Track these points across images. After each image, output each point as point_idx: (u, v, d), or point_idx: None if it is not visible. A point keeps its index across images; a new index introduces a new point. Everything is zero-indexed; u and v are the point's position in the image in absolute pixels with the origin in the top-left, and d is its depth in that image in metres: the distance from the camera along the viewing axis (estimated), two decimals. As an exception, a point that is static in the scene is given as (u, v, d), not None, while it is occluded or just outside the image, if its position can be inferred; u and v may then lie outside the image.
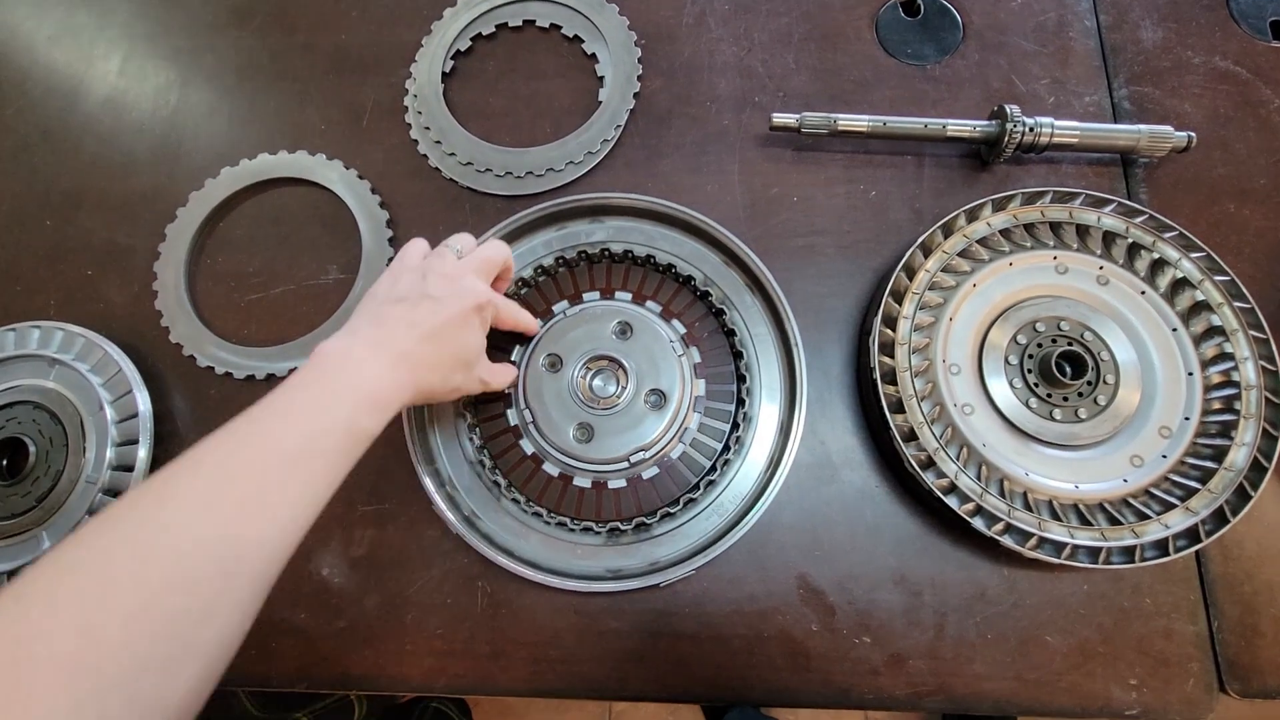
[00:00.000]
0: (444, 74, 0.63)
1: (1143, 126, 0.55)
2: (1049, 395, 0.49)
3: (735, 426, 0.51)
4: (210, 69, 0.66)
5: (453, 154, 0.60)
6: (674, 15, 0.64)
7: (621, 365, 0.52)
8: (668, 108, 0.61)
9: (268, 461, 0.34)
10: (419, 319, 0.41)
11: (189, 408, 0.57)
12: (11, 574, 0.52)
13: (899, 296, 0.51)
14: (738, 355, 0.52)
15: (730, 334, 0.53)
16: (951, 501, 0.47)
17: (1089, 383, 0.49)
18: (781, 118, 0.57)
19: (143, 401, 0.55)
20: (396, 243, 0.59)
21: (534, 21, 0.64)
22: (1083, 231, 0.53)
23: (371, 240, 0.59)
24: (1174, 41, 0.60)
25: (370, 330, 0.41)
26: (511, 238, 0.56)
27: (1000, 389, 0.50)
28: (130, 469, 0.53)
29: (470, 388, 0.47)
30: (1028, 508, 0.47)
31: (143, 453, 0.54)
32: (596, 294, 0.55)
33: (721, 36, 0.63)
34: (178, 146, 0.63)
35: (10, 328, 0.57)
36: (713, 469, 0.50)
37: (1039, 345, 0.51)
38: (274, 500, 0.33)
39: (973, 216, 0.53)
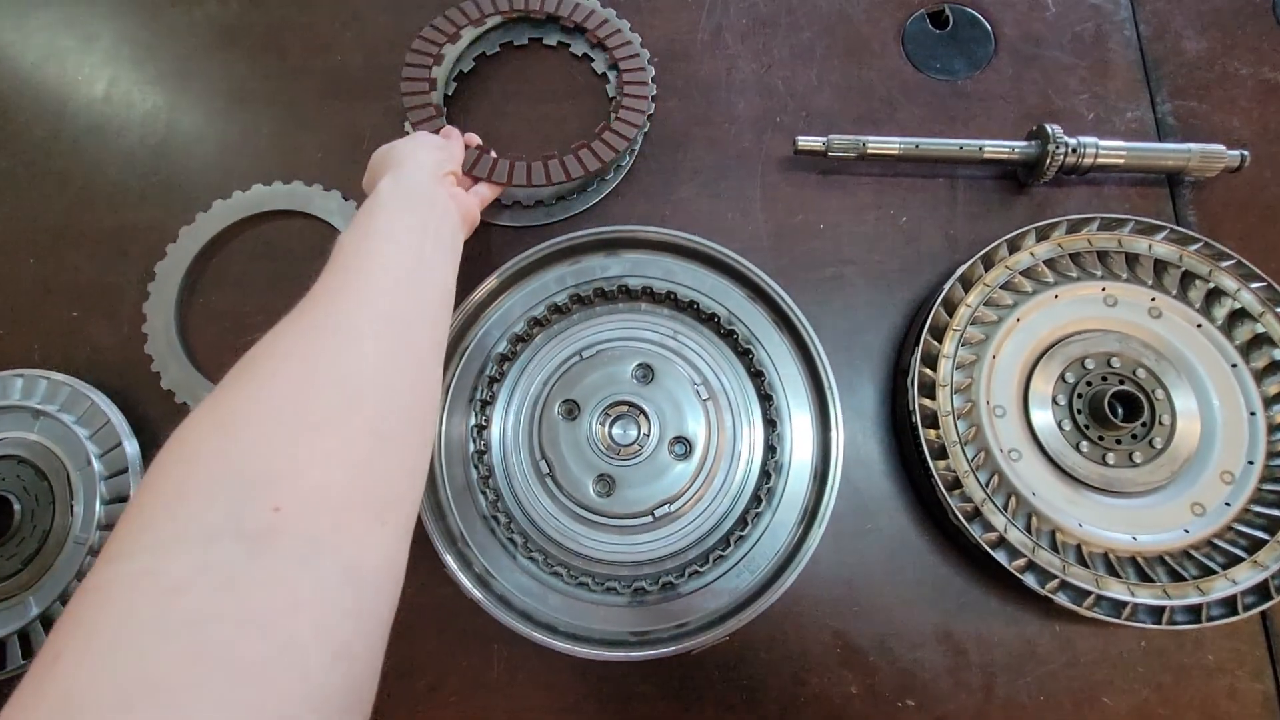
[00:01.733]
0: (447, 97, 0.60)
1: (1193, 146, 0.51)
2: (1101, 438, 0.46)
3: (766, 476, 0.48)
4: (199, 94, 0.62)
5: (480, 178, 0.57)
6: (689, 31, 0.60)
7: (643, 411, 0.49)
8: (684, 130, 0.58)
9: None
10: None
11: (183, 458, 0.54)
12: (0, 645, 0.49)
13: (939, 333, 0.48)
14: (766, 398, 0.49)
15: (758, 375, 0.49)
16: (1001, 557, 0.43)
17: (1144, 424, 0.46)
18: (807, 141, 0.53)
19: (133, 454, 0.52)
20: (400, 278, 0.56)
21: (540, 39, 0.61)
22: (1132, 260, 0.49)
23: (373, 276, 0.56)
24: (1219, 52, 0.57)
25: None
26: (522, 274, 0.52)
27: (1049, 432, 0.47)
28: (121, 527, 0.50)
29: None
30: (1082, 562, 0.44)
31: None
32: (614, 334, 0.52)
33: (739, 53, 0.60)
34: (167, 177, 0.60)
35: (-8, 376, 0.54)
36: (743, 522, 0.47)
37: (1088, 384, 0.47)
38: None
39: (1015, 246, 0.49)
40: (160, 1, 0.65)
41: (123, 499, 0.51)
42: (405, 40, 0.61)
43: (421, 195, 0.42)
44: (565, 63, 0.61)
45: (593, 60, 0.60)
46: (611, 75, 0.59)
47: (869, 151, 0.53)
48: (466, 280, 0.53)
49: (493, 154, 0.52)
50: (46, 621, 0.49)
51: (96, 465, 0.51)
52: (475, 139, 0.53)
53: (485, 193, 0.51)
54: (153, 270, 0.57)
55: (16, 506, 0.51)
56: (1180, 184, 0.54)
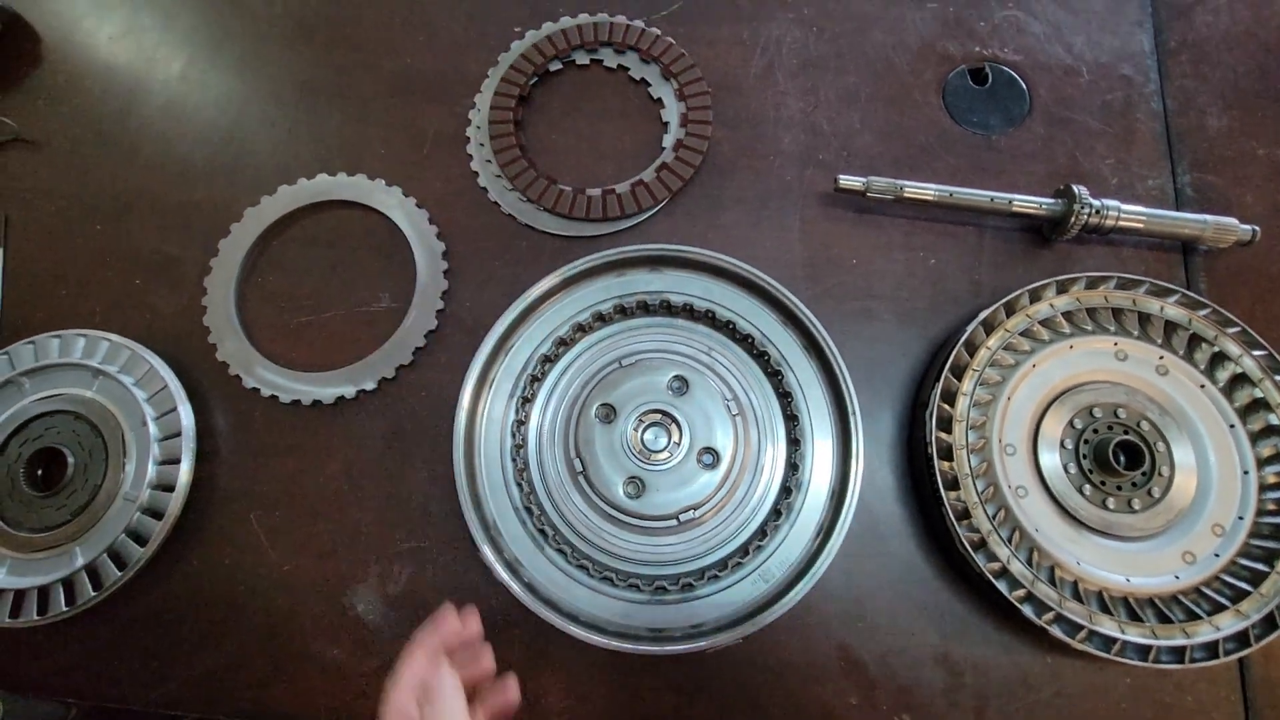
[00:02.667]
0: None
1: (1208, 217, 0.55)
2: (1103, 483, 0.49)
3: (786, 491, 0.51)
4: (272, 82, 0.65)
5: (513, 189, 0.60)
6: (742, 66, 0.64)
7: (675, 420, 0.51)
8: (731, 159, 0.61)
9: None
10: None
11: (231, 428, 0.56)
12: (44, 590, 0.51)
13: (959, 372, 0.51)
14: (792, 419, 0.52)
15: (786, 396, 0.52)
16: (1002, 586, 0.46)
17: (1144, 474, 0.49)
18: (848, 180, 0.57)
19: (187, 419, 0.54)
20: (451, 275, 0.59)
21: (601, 61, 0.64)
22: (1144, 319, 0.53)
23: (426, 270, 0.59)
24: (1239, 131, 0.61)
25: None
26: (571, 282, 0.55)
27: (1055, 473, 0.50)
28: (170, 488, 0.53)
29: None
30: (1078, 598, 0.47)
31: (184, 473, 0.53)
32: (653, 345, 0.55)
33: (788, 91, 0.63)
34: (235, 159, 0.63)
35: (55, 334, 0.56)
36: (761, 533, 0.50)
37: (1095, 431, 0.50)
38: None
39: (1036, 297, 0.53)
40: (242, -9, 0.68)
41: (174, 461, 0.53)
42: (473, 47, 0.65)
43: None
44: (623, 84, 0.64)
45: (649, 84, 0.63)
46: (667, 100, 0.62)
47: (905, 195, 0.56)
48: (516, 283, 0.57)
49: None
50: (91, 573, 0.51)
51: (152, 427, 0.54)
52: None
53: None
54: (216, 246, 0.60)
55: (70, 460, 0.54)
56: (1194, 251, 0.57)
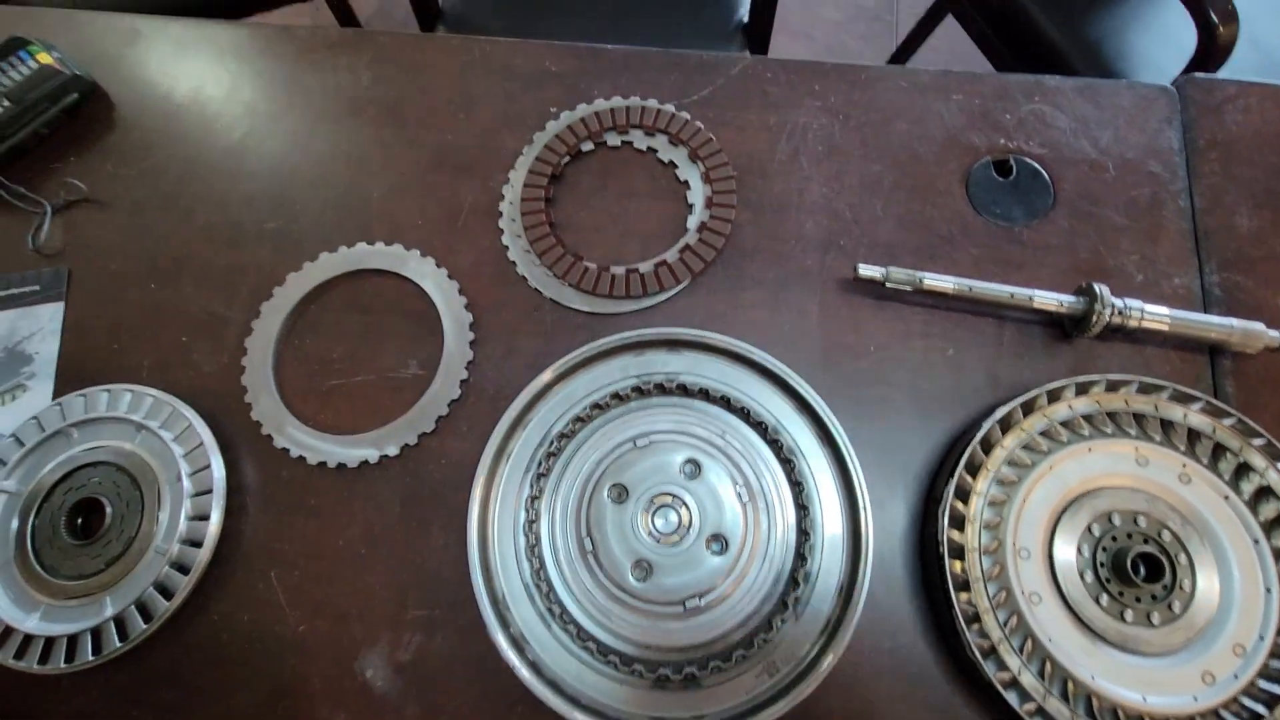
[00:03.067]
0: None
1: (1235, 322, 0.54)
2: (1121, 594, 0.48)
3: (794, 583, 0.51)
4: (321, 153, 0.69)
5: (541, 264, 0.62)
6: (768, 150, 0.66)
7: (686, 504, 0.52)
8: (754, 242, 0.63)
9: None
10: None
11: (259, 485, 0.59)
12: (73, 639, 0.53)
13: (974, 470, 0.51)
14: (802, 508, 0.52)
15: (797, 485, 0.53)
16: (1012, 699, 0.45)
17: (1165, 587, 0.48)
18: (867, 270, 0.58)
19: (219, 475, 0.57)
20: (477, 346, 0.61)
21: (631, 143, 0.67)
22: (1167, 425, 0.52)
23: (454, 340, 0.61)
24: (1268, 231, 0.60)
25: None
26: (590, 361, 0.57)
27: (1071, 581, 0.49)
28: (199, 543, 0.55)
29: None
30: (1090, 715, 0.46)
31: (213, 528, 0.55)
32: (667, 426, 0.56)
33: (812, 176, 0.65)
34: (283, 225, 0.67)
35: (105, 388, 0.60)
36: (768, 625, 0.50)
37: (1113, 539, 0.50)
38: None
39: (1054, 397, 0.52)
40: (300, 68, 0.73)
41: (204, 517, 0.56)
42: (510, 126, 0.69)
43: None
44: (652, 166, 0.66)
45: (677, 166, 0.66)
46: (694, 182, 0.65)
47: (924, 286, 0.57)
48: (538, 356, 0.59)
49: None
50: (119, 623, 0.53)
51: (186, 483, 0.56)
52: None
53: None
54: (259, 309, 0.63)
55: (109, 510, 0.57)
56: (1221, 354, 0.57)
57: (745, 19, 1.14)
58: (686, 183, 0.65)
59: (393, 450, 0.58)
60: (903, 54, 1.51)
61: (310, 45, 0.74)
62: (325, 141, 0.70)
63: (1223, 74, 0.89)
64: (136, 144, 0.71)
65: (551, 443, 0.55)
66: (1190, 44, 1.03)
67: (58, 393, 0.62)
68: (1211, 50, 0.86)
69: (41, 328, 0.65)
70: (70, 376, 0.63)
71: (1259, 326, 0.54)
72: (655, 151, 0.66)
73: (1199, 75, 0.65)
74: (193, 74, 0.74)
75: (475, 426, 0.58)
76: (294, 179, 0.68)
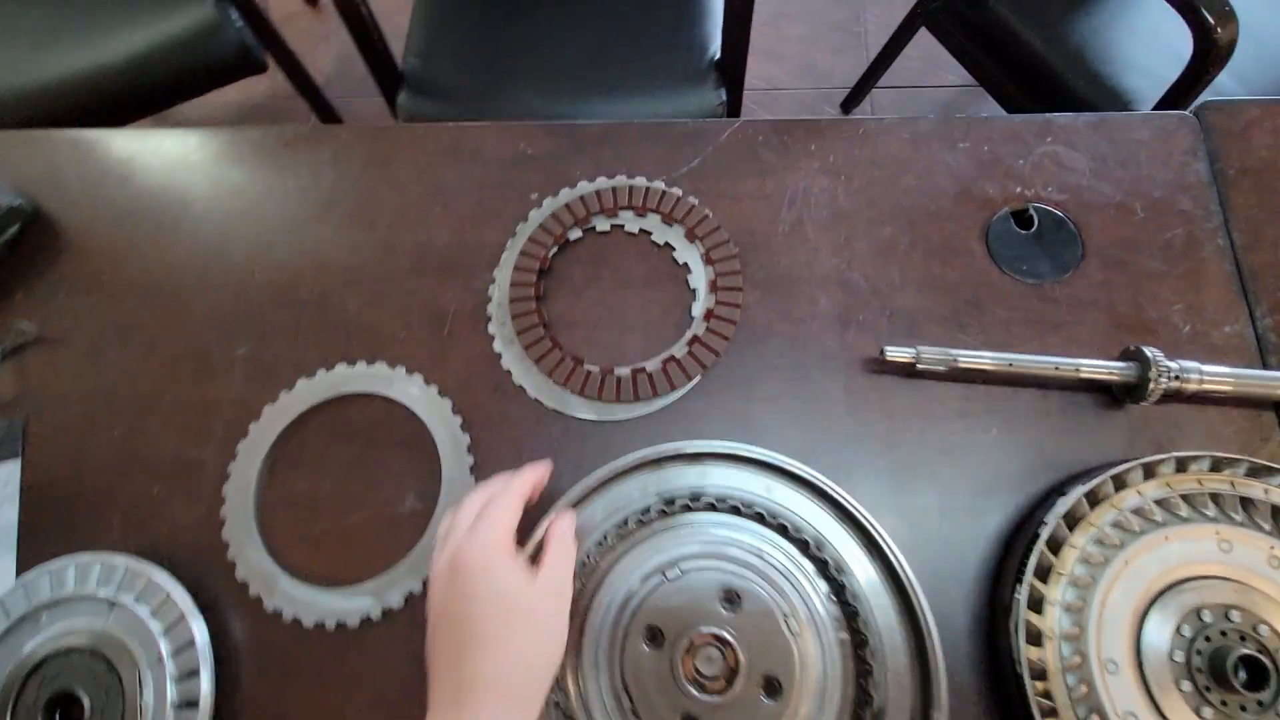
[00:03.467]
0: (529, 281, 0.61)
1: (1302, 376, 0.50)
2: (1224, 703, 0.43)
3: (859, 723, 0.45)
4: (288, 264, 0.64)
5: (539, 371, 0.57)
6: (769, 221, 0.61)
7: (729, 644, 0.47)
8: (766, 324, 0.58)
9: None
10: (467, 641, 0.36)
11: (252, 653, 0.53)
12: None
13: (1044, 574, 0.46)
14: (859, 636, 0.47)
15: (849, 609, 0.47)
16: (1123, 844, 0.40)
17: (1275, 693, 0.43)
18: (896, 352, 0.53)
19: (205, 655, 0.51)
20: (479, 469, 0.56)
21: (622, 226, 0.62)
22: (1248, 503, 0.47)
23: (452, 466, 0.56)
24: (1318, 265, 0.56)
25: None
26: (606, 484, 0.52)
27: (1166, 693, 0.44)
28: (188, 733, 0.49)
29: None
30: None
31: (204, 712, 0.50)
32: (697, 549, 0.50)
33: (820, 246, 0.60)
34: (253, 350, 0.61)
35: (72, 558, 0.54)
36: (835, 776, 0.45)
37: (1207, 639, 0.45)
38: None
39: (1121, 483, 0.48)
40: (258, 172, 0.67)
41: (192, 704, 0.50)
42: (490, 218, 0.64)
43: None
44: (647, 250, 0.62)
45: (674, 248, 0.61)
46: (694, 264, 0.60)
47: (960, 365, 0.52)
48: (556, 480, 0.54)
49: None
50: (106, 835, 0.47)
51: (169, 664, 0.50)
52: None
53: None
54: (235, 449, 0.58)
55: (86, 703, 0.50)
56: (1288, 407, 0.52)
57: (718, 55, 1.10)
58: (686, 265, 0.60)
59: (396, 601, 0.52)
60: (877, 69, 1.48)
61: (265, 146, 0.69)
62: (291, 251, 0.64)
63: (1225, 77, 0.85)
64: (88, 272, 0.66)
65: (574, 580, 0.50)
66: (1177, 43, 1.00)
67: (22, 565, 0.56)
68: (1210, 53, 0.83)
69: (-3, 492, 0.59)
70: (34, 545, 0.57)
71: (1329, 378, 0.50)
72: (649, 234, 0.62)
73: (1218, 100, 0.61)
74: (143, 189, 0.69)
75: (485, 563, 0.53)
76: (261, 296, 0.63)
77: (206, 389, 0.60)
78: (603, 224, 0.62)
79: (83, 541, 0.56)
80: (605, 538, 0.51)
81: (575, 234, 0.62)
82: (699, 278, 0.59)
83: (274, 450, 0.58)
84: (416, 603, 0.52)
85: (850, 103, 1.60)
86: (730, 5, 0.98)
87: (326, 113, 1.51)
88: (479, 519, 0.40)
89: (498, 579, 0.37)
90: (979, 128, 0.62)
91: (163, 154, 0.70)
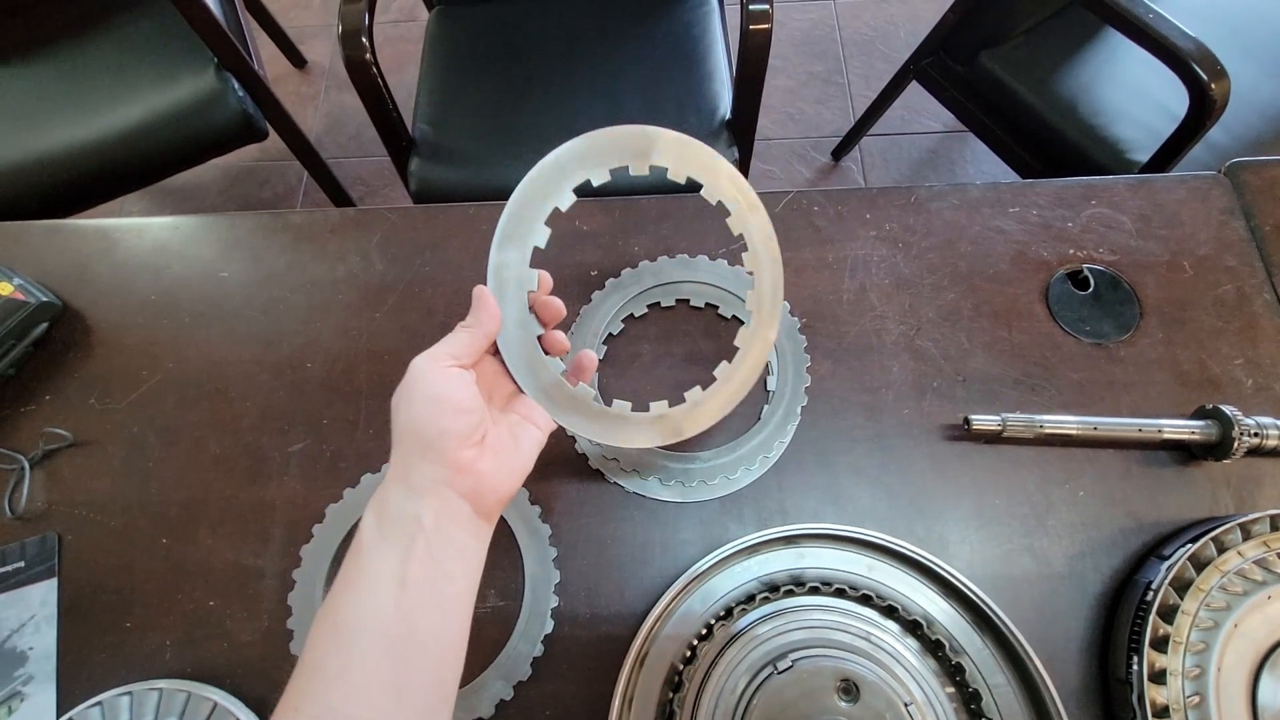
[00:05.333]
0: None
1: (1373, 428, 0.51)
2: (1351, 766, 0.43)
3: (996, 816, 0.44)
4: (342, 354, 0.62)
5: (614, 458, 0.56)
6: (833, 292, 0.61)
7: (854, 739, 0.45)
8: (840, 395, 0.58)
9: None
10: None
11: (332, 780, 0.49)
12: None
13: (1160, 645, 0.46)
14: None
15: (970, 693, 0.46)
16: None
17: (1399, 754, 0.43)
18: (982, 421, 0.53)
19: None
20: (560, 561, 0.54)
21: (688, 300, 0.62)
22: (1343, 558, 0.48)
23: (534, 560, 0.53)
24: (1361, 315, 0.58)
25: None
26: (704, 574, 0.50)
27: (1295, 760, 0.44)
28: None
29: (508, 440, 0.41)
30: None
31: None
32: (804, 635, 0.49)
33: (886, 314, 0.60)
34: (312, 448, 0.58)
35: (125, 690, 0.50)
36: None
37: (1323, 698, 0.45)
38: None
39: (1222, 546, 0.48)
40: (302, 257, 0.66)
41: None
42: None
43: (405, 521, 0.36)
44: (713, 324, 0.61)
45: (742, 323, 0.61)
46: None
47: (1045, 431, 0.53)
48: (632, 565, 0.52)
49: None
50: None
51: (245, 803, 0.47)
52: (562, 340, 0.45)
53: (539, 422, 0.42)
54: (298, 554, 0.54)
55: None
56: (1357, 457, 0.54)
57: (728, 115, 1.13)
58: None
59: (486, 710, 0.49)
60: (868, 120, 1.53)
61: (309, 232, 0.67)
62: (344, 340, 0.62)
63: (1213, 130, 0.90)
64: (123, 370, 0.62)
65: (677, 676, 0.48)
66: (1162, 94, 1.06)
67: (63, 699, 0.52)
68: (1205, 108, 0.88)
69: (34, 615, 0.55)
70: (76, 673, 0.53)
71: (1396, 428, 0.51)
72: (715, 307, 0.61)
73: (1244, 160, 0.64)
74: (178, 279, 0.66)
75: (578, 664, 0.51)
76: (314, 388, 0.61)
77: (261, 491, 0.57)
78: (668, 299, 0.62)
79: (132, 670, 0.52)
80: (709, 629, 0.49)
81: (640, 310, 0.61)
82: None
83: (341, 553, 0.55)
84: (506, 709, 0.50)
85: (841, 150, 1.65)
86: (743, 69, 1.00)
87: (322, 175, 1.50)
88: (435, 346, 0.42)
89: (422, 372, 0.39)
90: (1025, 193, 0.64)
91: (197, 241, 0.68)
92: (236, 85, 1.22)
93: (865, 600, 0.49)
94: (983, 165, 1.64)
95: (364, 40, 0.96)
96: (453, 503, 0.37)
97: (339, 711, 0.32)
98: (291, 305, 0.64)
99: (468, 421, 0.38)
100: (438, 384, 0.38)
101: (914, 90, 1.33)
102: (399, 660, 0.34)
